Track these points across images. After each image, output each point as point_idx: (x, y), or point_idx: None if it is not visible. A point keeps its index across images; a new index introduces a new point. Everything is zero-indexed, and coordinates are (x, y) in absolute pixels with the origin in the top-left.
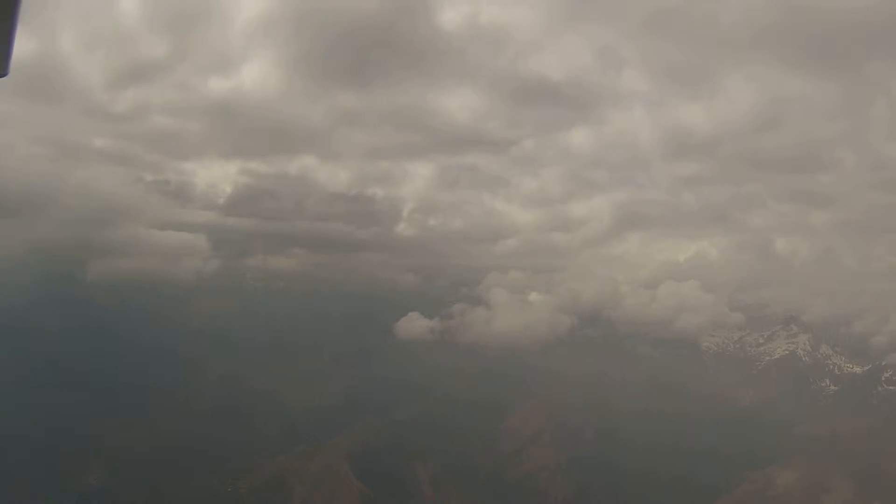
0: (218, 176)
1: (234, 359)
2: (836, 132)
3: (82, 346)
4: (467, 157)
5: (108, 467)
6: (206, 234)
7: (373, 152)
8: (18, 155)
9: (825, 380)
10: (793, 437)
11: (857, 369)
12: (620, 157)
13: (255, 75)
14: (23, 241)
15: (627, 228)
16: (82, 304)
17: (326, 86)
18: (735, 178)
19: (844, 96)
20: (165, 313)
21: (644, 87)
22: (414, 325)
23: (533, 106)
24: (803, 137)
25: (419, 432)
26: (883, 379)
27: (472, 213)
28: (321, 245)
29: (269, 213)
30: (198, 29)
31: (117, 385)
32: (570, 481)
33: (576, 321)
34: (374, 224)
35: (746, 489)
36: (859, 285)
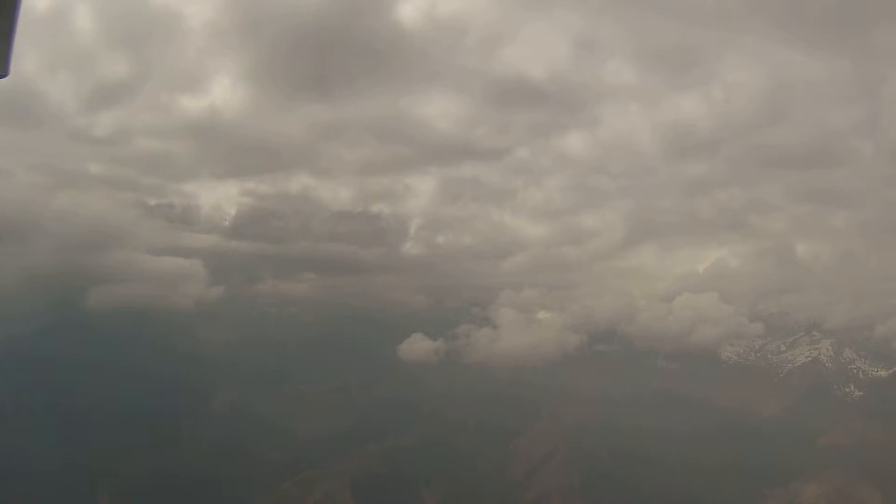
0: (220, 198)
1: (241, 386)
2: (848, 119)
3: (83, 374)
4: (463, 169)
5: (112, 497)
6: (213, 258)
7: (366, 168)
8: (17, 182)
9: (849, 385)
10: (817, 448)
11: (882, 373)
12: (622, 163)
13: (223, 92)
14: (21, 269)
15: (641, 239)
16: (83, 331)
17: (293, 97)
18: (746, 179)
19: (853, 72)
20: (171, 341)
21: (631, 77)
22: (417, 346)
23: (517, 109)
24: (812, 128)
25: (425, 457)
26: None
27: (481, 228)
28: (331, 268)
29: (275, 235)
30: (155, 46)
31: (119, 414)
32: None
33: (586, 338)
34: (381, 244)
35: None
36: (882, 287)
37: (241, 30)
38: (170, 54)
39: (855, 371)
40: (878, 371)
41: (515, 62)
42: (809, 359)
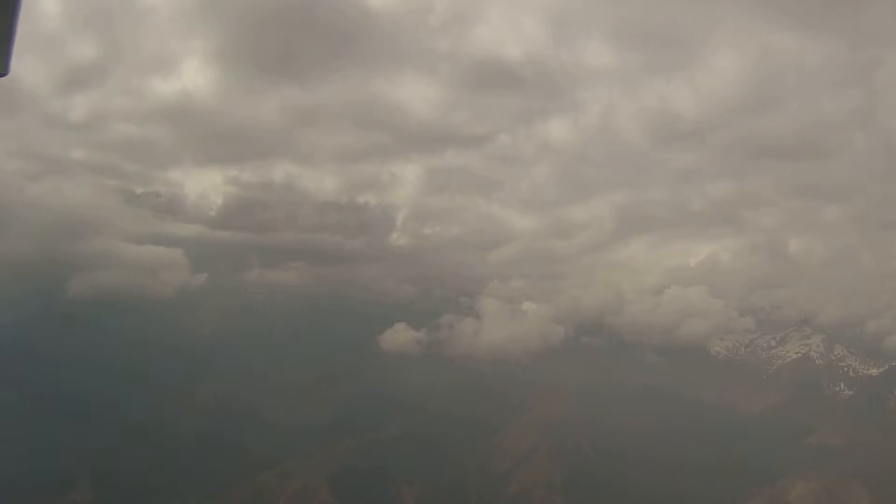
0: (206, 187)
1: (222, 377)
2: (840, 107)
3: (65, 368)
4: (446, 157)
5: (92, 491)
6: (197, 247)
7: (346, 155)
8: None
9: (839, 383)
10: (806, 447)
11: (874, 371)
12: (607, 151)
13: (194, 75)
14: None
15: (631, 232)
16: (62, 322)
17: (264, 80)
18: (736, 171)
19: (846, 53)
20: (152, 331)
21: (611, 60)
22: (400, 336)
23: (494, 92)
24: (803, 116)
25: (405, 451)
26: None
27: (468, 219)
28: (318, 257)
29: (261, 225)
30: (121, 27)
31: (100, 408)
32: (567, 502)
33: (571, 330)
34: (368, 234)
35: None
36: (874, 284)
37: (203, 9)
38: (137, 36)
39: (845, 369)
40: (868, 369)
41: (488, 43)
42: (800, 355)
